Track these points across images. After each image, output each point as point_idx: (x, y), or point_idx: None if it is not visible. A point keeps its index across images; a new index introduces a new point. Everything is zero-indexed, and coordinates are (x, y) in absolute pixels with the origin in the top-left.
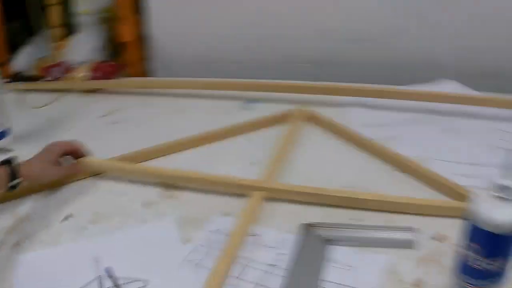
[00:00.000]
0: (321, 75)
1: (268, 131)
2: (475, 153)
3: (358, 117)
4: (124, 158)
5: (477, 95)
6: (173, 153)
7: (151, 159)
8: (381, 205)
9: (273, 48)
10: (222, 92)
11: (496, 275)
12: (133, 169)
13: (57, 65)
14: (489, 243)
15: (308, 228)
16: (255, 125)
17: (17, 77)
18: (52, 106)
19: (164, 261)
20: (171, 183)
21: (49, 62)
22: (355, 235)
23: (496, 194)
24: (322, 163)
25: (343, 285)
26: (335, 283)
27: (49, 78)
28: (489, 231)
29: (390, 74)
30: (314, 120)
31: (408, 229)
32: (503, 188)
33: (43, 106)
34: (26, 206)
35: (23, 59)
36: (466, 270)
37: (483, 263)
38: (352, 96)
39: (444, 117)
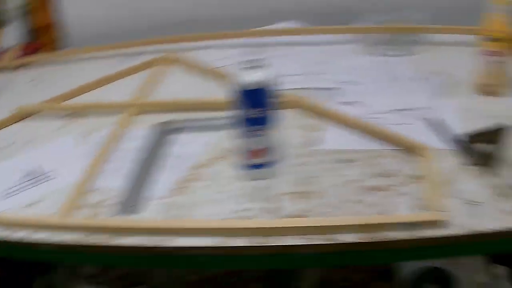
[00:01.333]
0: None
1: (143, 73)
2: (293, 67)
3: (209, 56)
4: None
5: (295, 27)
6: (73, 98)
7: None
8: (212, 107)
9: (143, 16)
10: (110, 53)
11: (260, 121)
12: (46, 106)
13: None
14: (246, 97)
15: (159, 124)
16: (132, 70)
17: None
18: None
19: (69, 157)
20: (73, 112)
21: None
22: (189, 125)
23: (245, 66)
24: (179, 89)
25: (177, 154)
26: (172, 154)
27: None
28: (242, 89)
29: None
30: (176, 62)
31: (224, 118)
32: (248, 62)
33: None
34: None
35: None
36: (244, 121)
37: (248, 113)
38: (205, 40)
39: (276, 47)
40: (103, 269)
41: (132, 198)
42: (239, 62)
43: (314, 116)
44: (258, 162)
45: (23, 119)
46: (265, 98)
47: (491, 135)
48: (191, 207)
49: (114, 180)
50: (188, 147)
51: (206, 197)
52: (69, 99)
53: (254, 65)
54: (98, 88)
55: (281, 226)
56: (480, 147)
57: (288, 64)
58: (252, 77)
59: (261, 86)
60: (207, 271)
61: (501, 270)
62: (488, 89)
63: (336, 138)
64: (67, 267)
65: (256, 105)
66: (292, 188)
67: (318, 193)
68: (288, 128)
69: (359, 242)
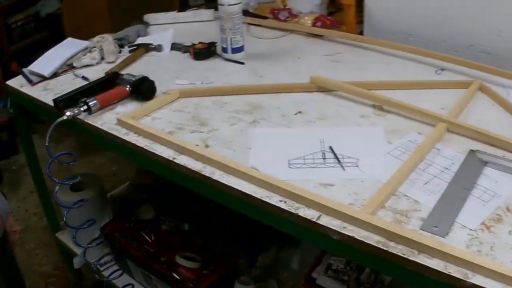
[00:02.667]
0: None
1: (453, 91)
2: None
3: None
4: (346, 83)
5: None
6: (382, 89)
7: (366, 89)
8: None
9: (459, 35)
10: (418, 58)
11: None
12: (355, 90)
13: (284, 9)
14: None
15: (474, 152)
16: (445, 84)
17: (244, 13)
18: (280, 40)
19: (372, 150)
20: (381, 105)
21: (277, 6)
22: (506, 165)
23: None
24: (486, 121)
25: (486, 188)
26: (482, 186)
27: (276, 19)
28: None
29: None
30: (485, 91)
31: None
32: None
33: (275, 38)
34: (261, 99)
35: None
36: None
37: None
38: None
39: None
40: (351, 267)
41: (440, 218)
42: None
43: None
44: None
45: (316, 90)
46: None
47: None
48: (494, 248)
49: (422, 192)
50: (498, 186)
51: (510, 243)
52: (374, 89)
53: None
54: (408, 89)
55: None
56: None
57: None
58: None
59: None
60: None
61: None
62: None
63: None
64: (308, 252)
65: None
66: None
67: None
68: None
69: None
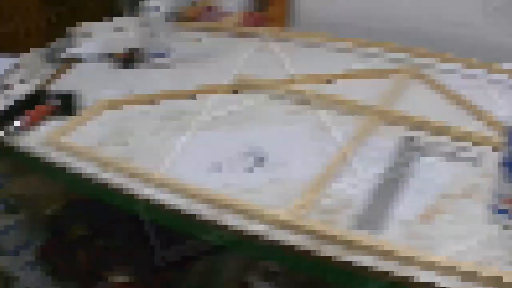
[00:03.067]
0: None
1: (387, 80)
2: None
3: (452, 80)
4: (272, 80)
5: None
6: (310, 84)
7: (293, 84)
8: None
9: (392, 23)
10: (350, 47)
11: None
12: (281, 86)
13: (209, 9)
14: None
15: (406, 139)
16: (376, 72)
17: (171, 16)
18: (207, 41)
19: (300, 149)
20: (306, 100)
21: (202, 6)
22: (442, 150)
23: None
24: (420, 107)
25: (422, 176)
26: (418, 175)
27: (202, 20)
28: None
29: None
30: (419, 76)
31: (471, 150)
32: None
33: (203, 39)
34: (186, 104)
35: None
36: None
37: None
38: (450, 63)
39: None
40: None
41: (374, 214)
42: None
43: None
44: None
45: (241, 90)
46: None
47: None
48: (434, 239)
49: (353, 187)
50: (435, 173)
51: (450, 233)
52: (302, 84)
53: None
54: (339, 81)
55: None
56: None
57: None
58: None
59: None
60: None
61: None
62: None
63: None
64: (242, 257)
65: None
66: None
67: None
68: None
69: None
